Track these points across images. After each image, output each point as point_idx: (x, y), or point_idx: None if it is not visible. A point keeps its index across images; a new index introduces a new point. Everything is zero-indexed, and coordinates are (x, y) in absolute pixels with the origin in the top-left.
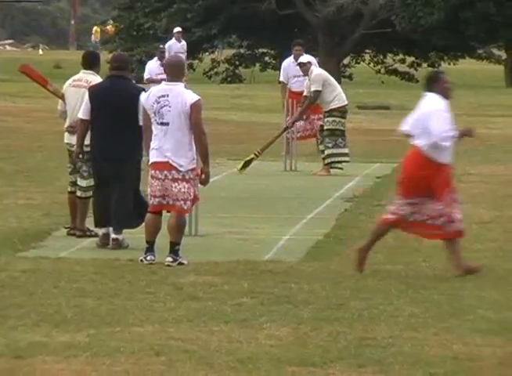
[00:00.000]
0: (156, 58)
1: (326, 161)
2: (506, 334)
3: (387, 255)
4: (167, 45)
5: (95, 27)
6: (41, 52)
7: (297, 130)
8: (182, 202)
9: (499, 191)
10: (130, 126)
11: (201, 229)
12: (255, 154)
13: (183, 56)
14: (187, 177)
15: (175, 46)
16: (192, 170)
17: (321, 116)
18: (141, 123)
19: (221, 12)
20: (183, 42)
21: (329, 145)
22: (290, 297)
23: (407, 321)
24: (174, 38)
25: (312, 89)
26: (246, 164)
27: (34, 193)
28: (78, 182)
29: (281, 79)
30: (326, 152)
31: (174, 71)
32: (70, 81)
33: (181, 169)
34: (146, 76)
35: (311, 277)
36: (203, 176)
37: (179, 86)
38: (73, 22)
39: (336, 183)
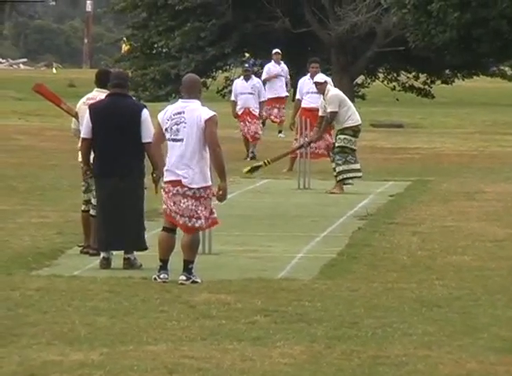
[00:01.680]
0: (241, 77)
1: (338, 178)
2: None
3: (400, 274)
4: (266, 68)
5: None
6: (54, 70)
7: (310, 147)
8: (186, 219)
9: None
10: (132, 143)
11: (214, 247)
12: (264, 162)
13: (283, 79)
14: (197, 195)
15: (274, 69)
16: (205, 188)
17: (332, 132)
18: (144, 140)
19: (235, 30)
20: (283, 65)
21: (340, 162)
22: (303, 315)
23: (421, 339)
24: (273, 60)
25: (329, 110)
26: (254, 169)
27: (47, 212)
28: (92, 201)
29: (297, 97)
30: (337, 169)
31: (190, 89)
32: (83, 99)
33: (192, 186)
34: (232, 98)
35: (325, 295)
36: (220, 192)
37: (195, 103)
38: (86, 41)
39: (349, 201)
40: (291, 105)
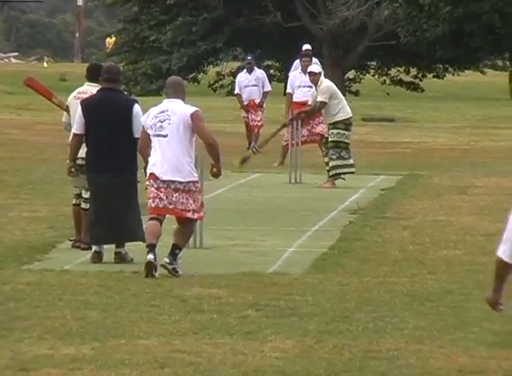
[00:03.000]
0: (244, 70)
1: (331, 173)
2: None
3: (392, 268)
4: (295, 63)
5: (107, 39)
6: (45, 64)
7: (296, 138)
8: (179, 210)
9: (504, 203)
10: (124, 138)
11: (206, 241)
12: (253, 151)
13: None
14: (187, 188)
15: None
16: (194, 183)
17: (316, 122)
18: (136, 135)
19: (226, 25)
20: (314, 59)
21: (334, 157)
22: (294, 309)
23: (412, 334)
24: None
25: (319, 99)
26: (244, 160)
27: (38, 206)
28: (83, 195)
29: (288, 91)
30: (330, 164)
31: (174, 89)
32: (74, 93)
33: (182, 180)
34: (236, 91)
35: (316, 289)
36: (214, 169)
37: (179, 102)
38: (78, 35)
39: (340, 196)
40: (282, 100)
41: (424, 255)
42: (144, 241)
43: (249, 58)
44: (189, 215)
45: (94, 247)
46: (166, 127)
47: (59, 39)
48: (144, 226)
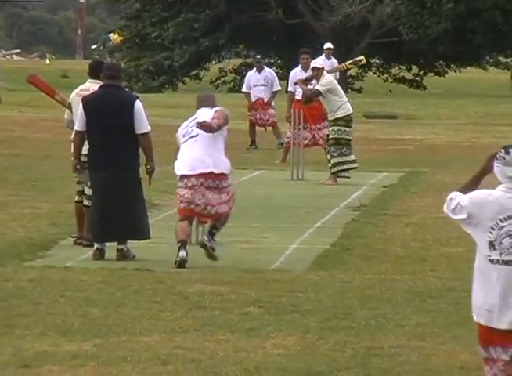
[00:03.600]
0: (254, 69)
1: (333, 170)
2: None
3: (394, 265)
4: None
5: (110, 34)
6: (47, 61)
7: (298, 139)
8: (213, 207)
9: None
10: (126, 135)
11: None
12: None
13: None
14: (218, 184)
15: (325, 63)
16: (225, 176)
17: (320, 126)
18: (137, 132)
19: (228, 21)
20: (333, 60)
21: (335, 154)
22: (296, 306)
23: (414, 330)
24: (323, 55)
25: (316, 87)
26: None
27: (40, 203)
28: (85, 192)
29: (289, 89)
30: (331, 161)
31: (205, 102)
32: (77, 90)
33: (216, 172)
34: (244, 89)
35: (318, 286)
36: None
37: (207, 108)
38: (80, 31)
39: (342, 192)
40: (284, 97)
41: (426, 252)
42: (149, 238)
43: (258, 57)
44: (222, 210)
45: (96, 244)
46: (195, 129)
47: (61, 36)
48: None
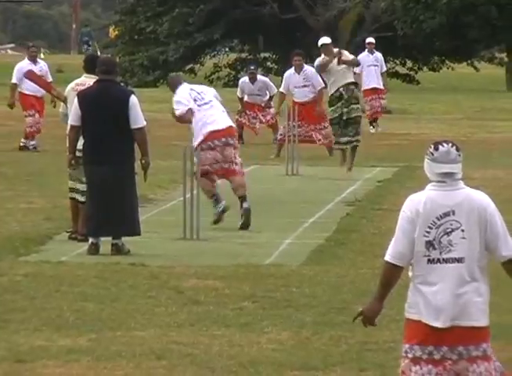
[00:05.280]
0: (247, 78)
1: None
2: (507, 338)
3: None
4: (360, 57)
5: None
6: (42, 56)
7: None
8: (229, 163)
9: (501, 195)
10: (121, 130)
11: (203, 232)
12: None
13: (376, 69)
14: (235, 143)
15: (367, 58)
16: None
17: (321, 126)
18: (133, 126)
19: (223, 16)
20: (376, 54)
21: (334, 133)
22: (291, 301)
23: None
24: (366, 50)
25: (350, 57)
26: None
27: (35, 198)
28: (77, 186)
29: (281, 89)
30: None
31: (181, 80)
32: (72, 84)
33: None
34: (238, 94)
35: (313, 281)
36: None
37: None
38: (74, 26)
39: (337, 187)
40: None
41: None
42: (139, 234)
43: (252, 67)
44: (237, 168)
45: (91, 239)
46: (204, 97)
47: (56, 31)
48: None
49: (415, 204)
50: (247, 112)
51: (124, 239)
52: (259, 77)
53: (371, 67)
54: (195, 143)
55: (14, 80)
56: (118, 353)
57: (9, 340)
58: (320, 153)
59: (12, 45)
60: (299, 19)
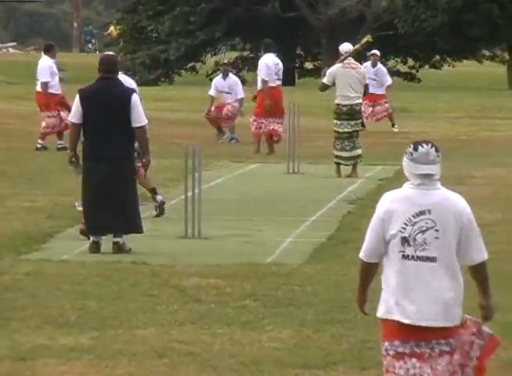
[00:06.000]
0: (220, 75)
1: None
2: (510, 337)
3: None
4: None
5: (111, 28)
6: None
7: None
8: None
9: (502, 194)
10: (122, 127)
11: (204, 231)
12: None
13: (375, 84)
14: None
15: (368, 71)
16: None
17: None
18: (134, 125)
19: (225, 15)
20: (378, 67)
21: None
22: (292, 299)
23: None
24: (370, 62)
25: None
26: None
27: (36, 196)
28: None
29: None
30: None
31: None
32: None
33: None
34: (210, 92)
35: (314, 279)
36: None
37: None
38: (76, 24)
39: (339, 186)
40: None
41: None
42: (142, 232)
43: (225, 61)
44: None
45: (92, 237)
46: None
47: (58, 29)
48: None
49: (389, 201)
50: (213, 109)
51: (125, 237)
52: (231, 75)
53: (369, 80)
54: None
55: (43, 79)
56: (120, 351)
57: (10, 338)
58: (322, 151)
59: (13, 44)
60: (300, 18)
